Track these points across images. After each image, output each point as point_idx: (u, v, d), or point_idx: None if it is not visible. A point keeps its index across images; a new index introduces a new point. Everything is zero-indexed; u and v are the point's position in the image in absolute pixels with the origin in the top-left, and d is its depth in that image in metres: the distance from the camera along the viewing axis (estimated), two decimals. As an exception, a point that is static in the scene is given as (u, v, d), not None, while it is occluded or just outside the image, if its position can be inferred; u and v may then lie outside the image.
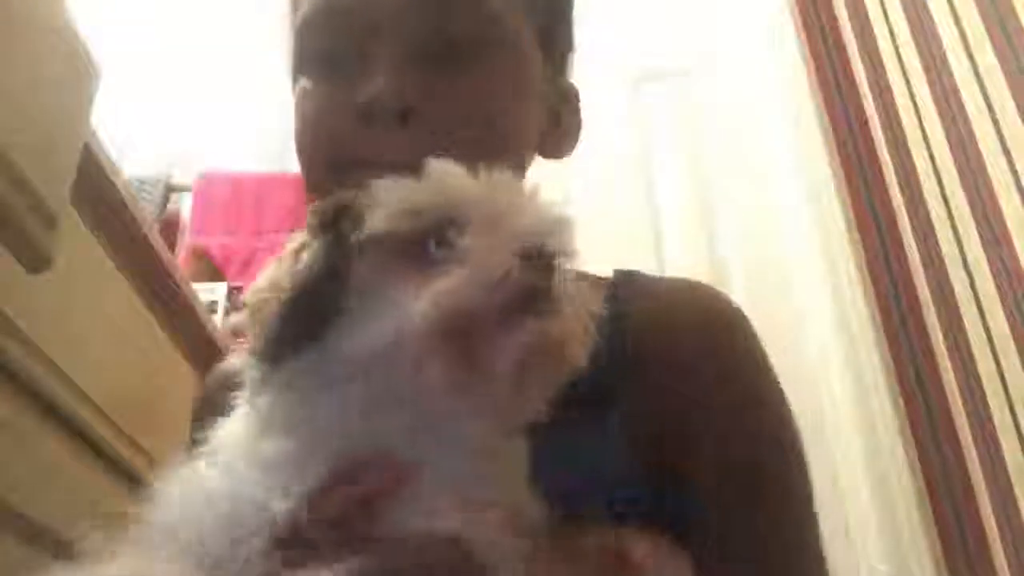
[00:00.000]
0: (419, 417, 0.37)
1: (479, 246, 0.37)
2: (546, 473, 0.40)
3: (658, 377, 0.51)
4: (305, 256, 0.38)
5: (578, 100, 0.62)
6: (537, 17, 0.54)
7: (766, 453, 0.54)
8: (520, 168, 0.56)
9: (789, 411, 0.59)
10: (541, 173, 1.80)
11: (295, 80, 0.54)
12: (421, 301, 0.35)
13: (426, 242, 0.37)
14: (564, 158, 0.62)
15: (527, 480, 0.41)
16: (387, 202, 0.38)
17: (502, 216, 0.39)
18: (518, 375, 0.37)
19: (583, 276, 0.57)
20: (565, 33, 0.59)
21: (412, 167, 0.42)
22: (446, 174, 0.40)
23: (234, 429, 0.41)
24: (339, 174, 0.48)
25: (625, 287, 0.57)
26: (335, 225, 0.39)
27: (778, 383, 0.58)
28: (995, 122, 1.54)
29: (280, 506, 0.35)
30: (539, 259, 0.37)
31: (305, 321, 0.37)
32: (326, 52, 0.51)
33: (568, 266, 0.40)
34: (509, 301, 0.36)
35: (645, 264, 2.05)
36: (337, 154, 0.50)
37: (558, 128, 0.60)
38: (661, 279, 0.61)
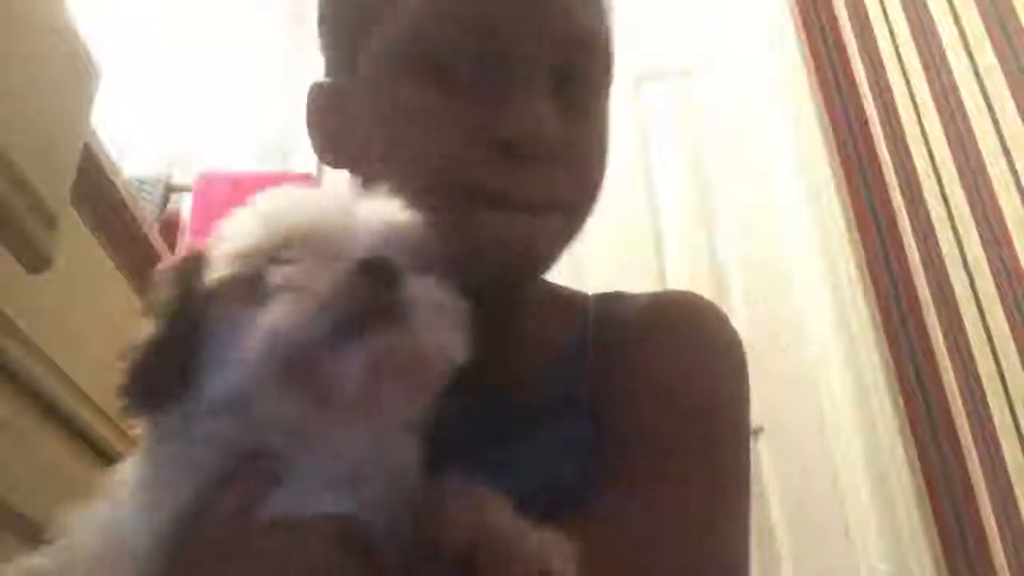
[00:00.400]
0: (286, 439, 0.37)
1: (309, 269, 0.36)
2: (504, 479, 0.40)
3: (619, 382, 0.51)
4: (159, 309, 0.39)
5: None
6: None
7: (694, 433, 0.53)
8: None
9: (734, 411, 0.59)
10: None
11: (392, 74, 0.48)
12: (254, 336, 0.35)
13: (261, 276, 0.37)
14: None
15: (416, 475, 0.41)
16: (225, 246, 0.39)
17: (335, 235, 0.38)
18: (371, 392, 0.35)
19: (559, 294, 0.59)
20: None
21: (545, 205, 0.45)
22: (278, 201, 0.40)
23: (126, 471, 0.42)
24: (448, 200, 0.45)
25: (596, 309, 0.57)
26: (185, 278, 0.39)
27: (735, 384, 0.59)
28: (995, 122, 1.54)
29: (158, 519, 0.37)
30: (379, 273, 0.36)
31: (165, 369, 0.38)
32: (451, 61, 0.46)
33: (423, 277, 0.38)
34: (343, 321, 0.35)
35: (645, 264, 2.05)
36: (455, 180, 0.46)
37: None
38: (637, 297, 0.58)
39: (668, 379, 0.52)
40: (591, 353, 0.53)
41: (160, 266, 0.41)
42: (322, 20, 0.58)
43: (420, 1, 0.47)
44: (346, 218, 0.39)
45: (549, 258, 0.52)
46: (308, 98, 0.58)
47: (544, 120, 0.45)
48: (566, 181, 0.48)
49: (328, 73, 0.57)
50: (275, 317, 0.35)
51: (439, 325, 0.38)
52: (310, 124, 0.56)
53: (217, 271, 0.38)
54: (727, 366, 0.61)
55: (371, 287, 0.35)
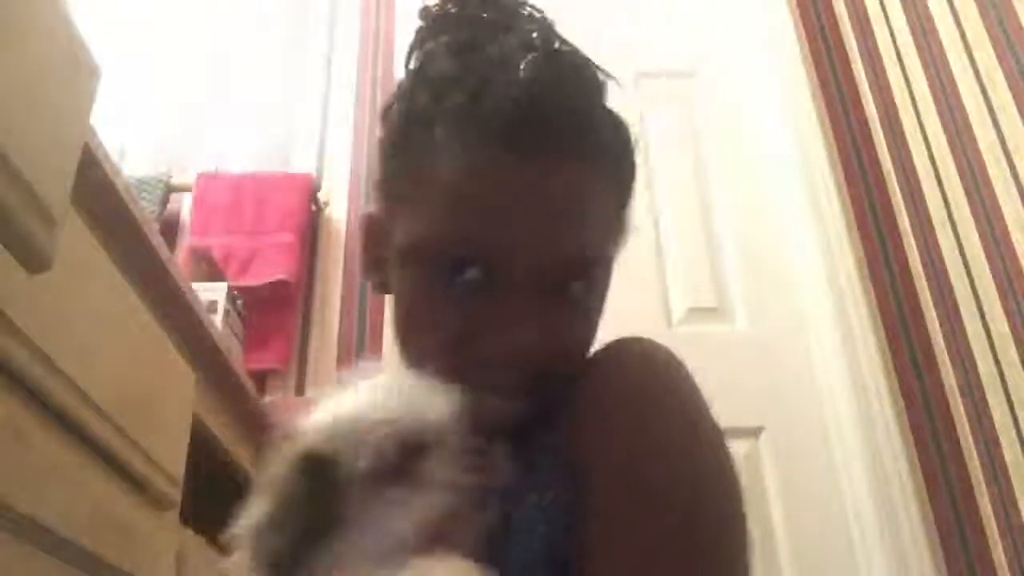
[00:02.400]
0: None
1: (435, 459, 0.43)
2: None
3: (576, 435, 0.49)
4: (285, 492, 0.43)
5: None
6: (626, 211, 0.57)
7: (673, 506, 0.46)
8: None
9: (711, 464, 0.49)
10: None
11: (404, 264, 0.53)
12: (410, 527, 0.41)
13: (402, 470, 0.42)
14: None
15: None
16: (362, 441, 0.43)
17: (422, 423, 0.43)
18: None
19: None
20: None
21: (510, 385, 0.49)
22: (359, 397, 0.45)
23: None
24: (449, 378, 0.47)
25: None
26: (314, 469, 0.42)
27: (705, 434, 0.50)
28: (995, 122, 1.54)
29: None
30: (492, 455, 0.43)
31: (294, 538, 0.42)
32: (447, 266, 0.51)
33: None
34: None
35: (645, 264, 2.06)
36: (445, 372, 0.47)
37: None
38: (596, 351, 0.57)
39: (623, 461, 0.47)
40: (564, 421, 0.51)
41: (275, 457, 0.45)
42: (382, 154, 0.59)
43: (440, 215, 0.51)
44: (420, 406, 0.44)
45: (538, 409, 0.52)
46: (360, 224, 0.62)
47: (523, 348, 0.49)
48: (549, 367, 0.51)
49: (375, 201, 0.60)
50: (428, 512, 0.41)
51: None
52: (360, 247, 0.61)
53: (357, 466, 0.43)
54: (700, 441, 0.49)
55: (496, 471, 0.43)
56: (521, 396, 0.51)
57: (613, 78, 0.59)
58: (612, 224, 0.55)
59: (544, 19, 0.61)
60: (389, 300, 0.57)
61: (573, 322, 0.53)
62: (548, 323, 0.50)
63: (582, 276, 0.52)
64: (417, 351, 0.52)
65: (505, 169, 0.49)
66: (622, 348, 0.54)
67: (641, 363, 0.52)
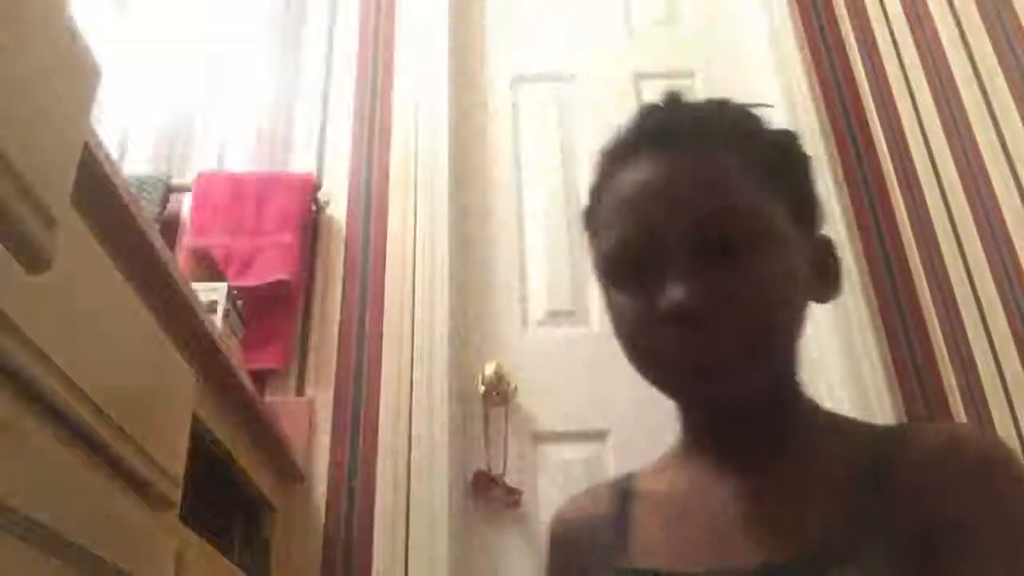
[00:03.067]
0: None
1: None
2: None
3: (920, 521, 0.53)
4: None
5: (834, 247, 0.67)
6: (789, 198, 0.61)
7: None
8: (794, 343, 0.63)
9: None
10: (541, 170, 1.80)
11: (606, 290, 0.64)
12: None
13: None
14: (833, 300, 0.67)
15: None
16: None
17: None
18: None
19: (842, 424, 0.63)
20: (811, 196, 0.65)
21: (702, 364, 0.55)
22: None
23: None
24: (667, 380, 0.61)
25: (888, 439, 0.59)
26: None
27: None
28: (995, 122, 1.53)
29: None
30: None
31: None
32: (629, 272, 0.60)
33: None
34: None
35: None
36: (653, 360, 0.60)
37: (822, 278, 0.65)
38: (926, 427, 0.62)
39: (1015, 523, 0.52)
40: (894, 485, 0.55)
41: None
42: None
43: (606, 221, 0.62)
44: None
45: (746, 387, 0.59)
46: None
47: (680, 293, 0.56)
48: (718, 337, 0.56)
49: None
50: None
51: None
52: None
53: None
54: None
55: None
56: (732, 372, 0.57)
57: (767, 105, 0.67)
58: (746, 192, 0.59)
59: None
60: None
61: (735, 278, 0.56)
62: (705, 280, 0.56)
63: (719, 229, 0.57)
64: (638, 362, 0.61)
65: (637, 170, 0.61)
66: (971, 435, 0.58)
67: (1003, 448, 0.56)
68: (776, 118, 1.99)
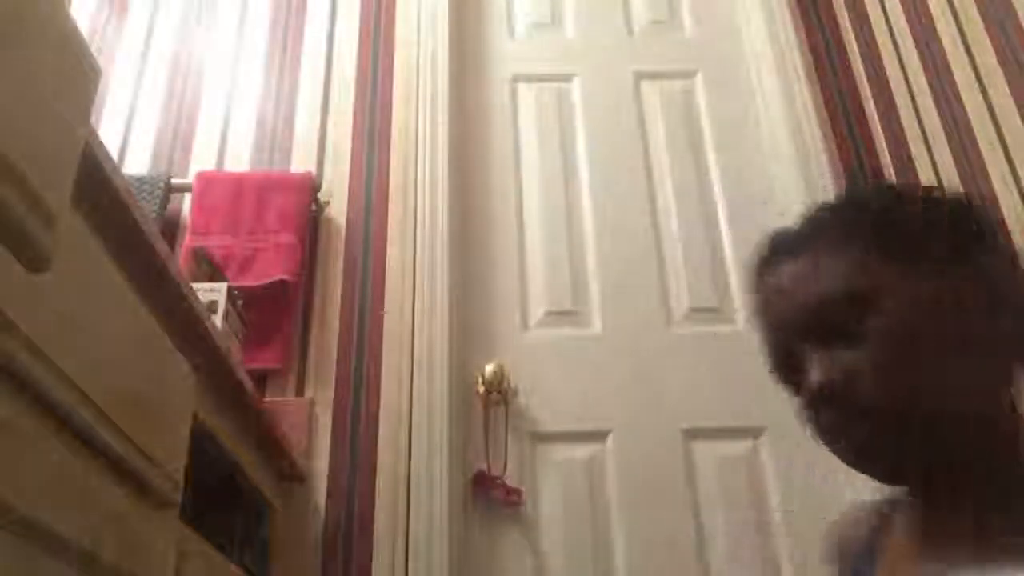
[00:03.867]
0: None
1: None
2: None
3: None
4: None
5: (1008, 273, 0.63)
6: (920, 262, 0.61)
7: None
8: (978, 405, 0.58)
9: None
10: (541, 170, 1.80)
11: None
12: None
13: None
14: None
15: None
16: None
17: None
18: None
19: None
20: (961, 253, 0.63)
21: (858, 444, 0.57)
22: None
23: None
24: (847, 463, 0.60)
25: None
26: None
27: None
28: (995, 122, 1.54)
29: None
30: None
31: None
32: (784, 376, 0.66)
33: None
34: None
35: (645, 263, 2.05)
36: (830, 448, 0.61)
37: (997, 318, 0.60)
38: None
39: None
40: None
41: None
42: None
43: (759, 327, 0.69)
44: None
45: (921, 460, 0.58)
46: None
47: (821, 372, 0.60)
48: (873, 405, 0.57)
49: None
50: None
51: None
52: None
53: None
54: None
55: None
56: (887, 449, 0.57)
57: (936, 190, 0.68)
58: (851, 276, 0.62)
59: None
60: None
61: (862, 356, 0.58)
62: (838, 360, 0.59)
63: (838, 314, 0.61)
64: (832, 452, 0.62)
65: (766, 276, 0.69)
66: None
67: None
68: (777, 117, 1.96)
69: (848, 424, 0.57)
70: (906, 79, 1.85)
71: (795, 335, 0.63)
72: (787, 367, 0.65)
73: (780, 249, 0.69)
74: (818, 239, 0.65)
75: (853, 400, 0.57)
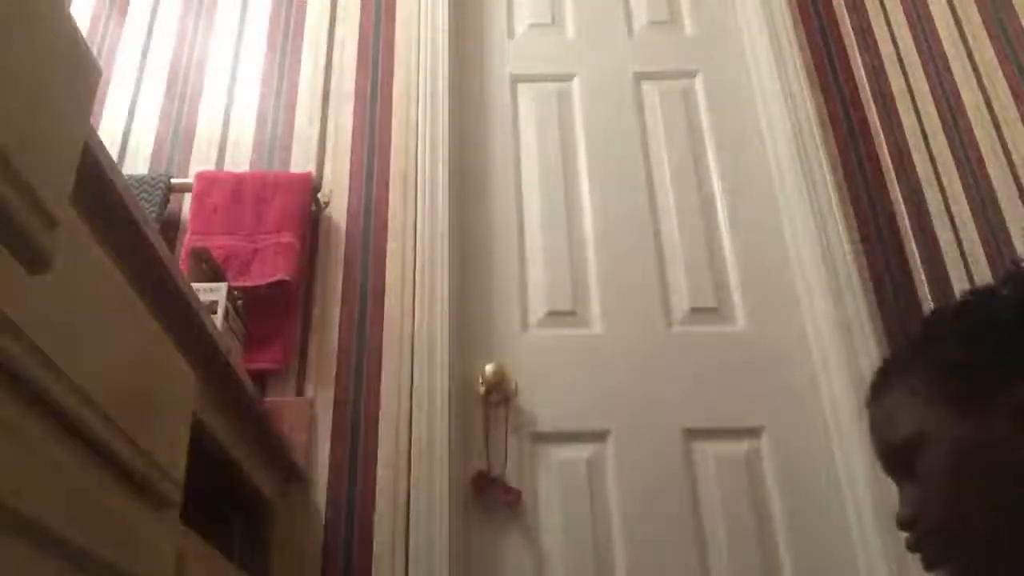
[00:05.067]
0: None
1: None
2: None
3: None
4: None
5: None
6: (955, 391, 0.72)
7: None
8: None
9: None
10: (541, 170, 1.80)
11: None
12: None
13: None
14: None
15: None
16: None
17: None
18: None
19: None
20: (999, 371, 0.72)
21: (928, 556, 0.69)
22: None
23: None
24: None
25: None
26: None
27: None
28: (995, 122, 1.53)
29: None
30: None
31: None
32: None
33: None
34: None
35: (645, 263, 2.05)
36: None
37: None
38: None
39: None
40: None
41: None
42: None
43: None
44: None
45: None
46: None
47: (899, 510, 0.72)
48: (928, 542, 0.70)
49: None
50: None
51: None
52: None
53: None
54: None
55: None
56: (945, 562, 0.68)
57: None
58: (902, 424, 0.73)
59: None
60: None
61: (923, 495, 0.70)
62: (905, 499, 0.72)
63: (900, 457, 0.73)
64: None
65: (865, 413, 0.81)
66: None
67: None
68: (777, 117, 1.97)
69: (918, 545, 0.70)
70: (906, 79, 1.85)
71: (885, 471, 0.76)
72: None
73: (873, 384, 0.80)
74: (886, 381, 0.77)
75: (919, 530, 0.69)
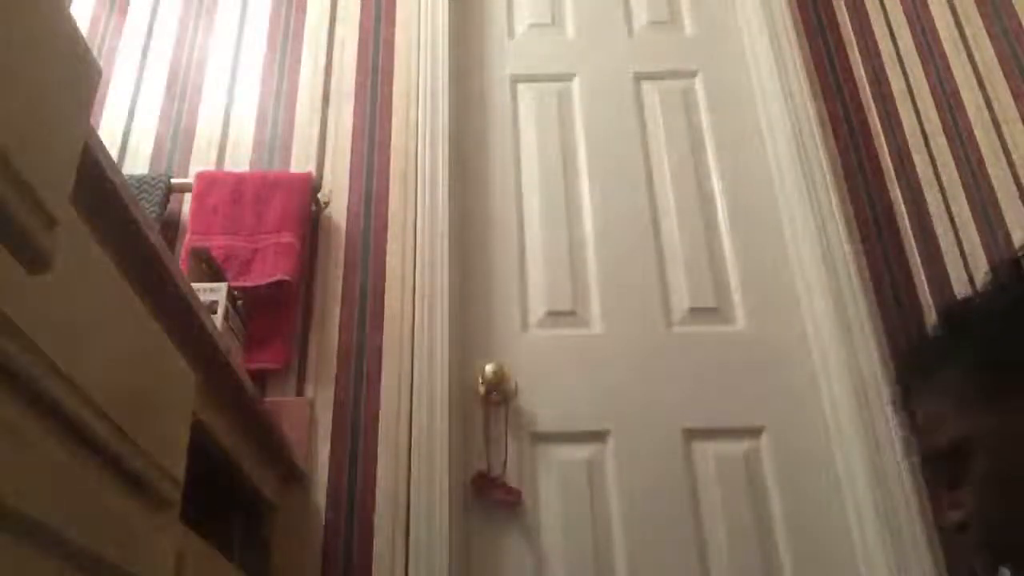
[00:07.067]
0: None
1: None
2: None
3: None
4: None
5: None
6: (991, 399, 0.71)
7: None
8: None
9: None
10: (541, 170, 1.80)
11: None
12: None
13: None
14: None
15: None
16: None
17: None
18: None
19: None
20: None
21: (976, 562, 0.68)
22: None
23: None
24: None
25: None
26: None
27: None
28: (995, 122, 1.53)
29: None
30: None
31: None
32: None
33: None
34: None
35: (645, 263, 2.06)
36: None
37: None
38: None
39: None
40: None
41: None
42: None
43: None
44: None
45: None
46: None
47: (945, 513, 0.72)
48: (980, 542, 0.69)
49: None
50: None
51: None
52: None
53: None
54: None
55: None
56: (988, 562, 0.69)
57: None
58: (951, 428, 0.72)
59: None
60: None
61: (963, 497, 0.70)
62: (948, 502, 0.72)
63: (940, 458, 0.72)
64: None
65: (903, 412, 0.80)
66: None
67: None
68: (777, 117, 1.97)
69: (967, 552, 0.71)
70: (906, 79, 1.85)
71: (930, 476, 0.76)
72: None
73: (910, 379, 0.78)
74: (928, 378, 0.75)
75: (975, 536, 0.69)
